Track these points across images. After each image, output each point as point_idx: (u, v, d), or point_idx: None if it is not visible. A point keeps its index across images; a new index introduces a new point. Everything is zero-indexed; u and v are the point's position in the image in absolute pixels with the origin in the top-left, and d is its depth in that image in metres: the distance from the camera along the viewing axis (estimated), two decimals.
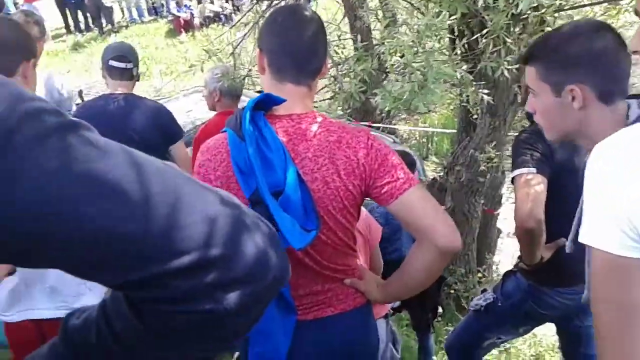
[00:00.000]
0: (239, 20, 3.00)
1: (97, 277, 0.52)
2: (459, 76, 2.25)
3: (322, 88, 2.87)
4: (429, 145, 8.29)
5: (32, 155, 0.46)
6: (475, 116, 3.81)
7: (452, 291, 4.07)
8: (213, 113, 3.07)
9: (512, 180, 1.94)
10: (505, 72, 2.26)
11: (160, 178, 0.51)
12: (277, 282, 0.54)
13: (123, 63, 2.62)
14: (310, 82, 1.39)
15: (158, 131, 2.62)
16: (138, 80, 2.76)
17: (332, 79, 2.51)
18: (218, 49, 2.61)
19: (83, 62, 11.16)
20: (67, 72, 9.76)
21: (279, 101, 1.32)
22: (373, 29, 3.63)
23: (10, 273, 1.45)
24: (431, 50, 2.14)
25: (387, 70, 2.02)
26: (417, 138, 8.47)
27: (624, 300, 0.80)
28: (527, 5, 1.42)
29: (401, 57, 2.18)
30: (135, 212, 0.48)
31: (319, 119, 1.36)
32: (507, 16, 2.00)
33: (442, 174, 4.75)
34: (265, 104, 1.33)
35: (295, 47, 1.35)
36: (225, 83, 2.69)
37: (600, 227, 0.81)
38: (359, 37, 2.52)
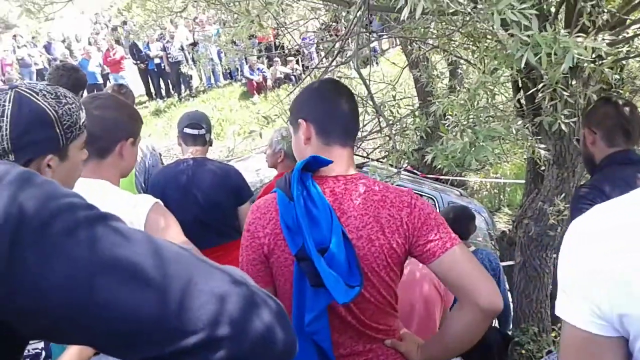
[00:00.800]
0: (301, 82, 3.16)
1: (116, 353, 0.57)
2: (514, 132, 2.25)
3: (377, 147, 2.94)
4: (501, 196, 8.09)
5: (64, 244, 0.54)
6: (542, 168, 3.72)
7: (524, 351, 3.86)
8: None
9: None
10: (563, 126, 2.23)
11: (176, 263, 0.58)
12: (284, 355, 0.58)
13: (196, 130, 2.78)
14: (352, 143, 1.51)
15: (226, 192, 2.73)
16: (211, 145, 2.90)
17: (387, 138, 2.57)
18: (281, 111, 2.74)
19: (163, 126, 11.88)
20: (148, 135, 10.41)
21: (326, 162, 1.40)
22: (432, 86, 3.68)
23: (97, 353, 1.41)
24: (484, 107, 2.16)
25: (439, 128, 2.06)
26: (489, 189, 8.28)
27: None
28: (569, 64, 1.43)
29: (453, 115, 2.22)
30: (152, 297, 0.54)
31: (364, 180, 1.43)
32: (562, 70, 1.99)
33: (512, 227, 4.62)
34: (313, 165, 1.41)
35: (343, 113, 1.47)
36: (285, 146, 2.80)
37: (570, 302, 0.81)
38: (414, 98, 2.57)
